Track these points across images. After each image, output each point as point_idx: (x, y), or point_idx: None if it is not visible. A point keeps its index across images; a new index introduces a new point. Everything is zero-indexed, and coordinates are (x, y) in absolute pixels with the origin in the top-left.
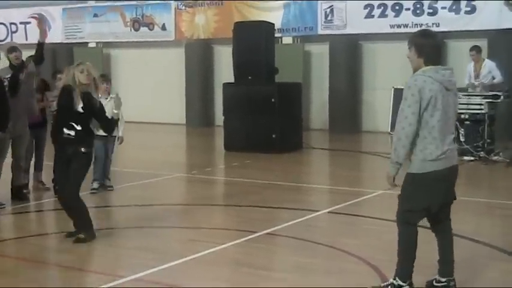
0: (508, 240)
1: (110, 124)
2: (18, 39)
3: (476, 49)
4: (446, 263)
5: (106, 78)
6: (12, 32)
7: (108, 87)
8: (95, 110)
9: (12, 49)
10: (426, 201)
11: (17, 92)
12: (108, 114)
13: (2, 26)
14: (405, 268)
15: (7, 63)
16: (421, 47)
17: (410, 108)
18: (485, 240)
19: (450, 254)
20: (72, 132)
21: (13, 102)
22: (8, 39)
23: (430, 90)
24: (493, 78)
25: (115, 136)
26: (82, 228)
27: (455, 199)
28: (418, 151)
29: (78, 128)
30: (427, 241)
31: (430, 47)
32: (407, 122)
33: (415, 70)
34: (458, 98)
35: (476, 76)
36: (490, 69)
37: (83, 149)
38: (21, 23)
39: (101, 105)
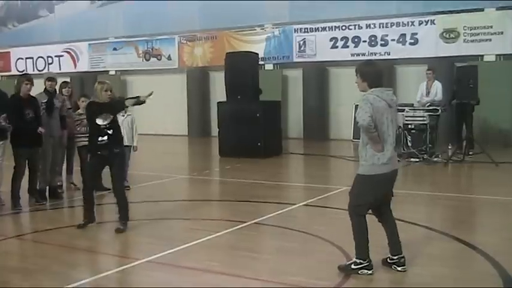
0: (445, 224)
1: (136, 102)
2: (54, 69)
3: (433, 69)
4: (394, 244)
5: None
6: (49, 64)
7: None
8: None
9: (50, 79)
10: (371, 198)
11: (52, 113)
12: (125, 128)
13: (41, 59)
14: (362, 249)
15: (42, 89)
16: (365, 74)
17: (367, 113)
18: (428, 225)
19: (396, 236)
20: (105, 137)
21: (49, 121)
22: (46, 70)
23: (378, 106)
24: (436, 96)
25: (131, 145)
26: (125, 219)
27: (392, 195)
28: (369, 157)
29: (111, 132)
30: (380, 227)
31: (372, 73)
32: (366, 115)
33: (362, 91)
34: (397, 113)
35: (427, 93)
36: (437, 89)
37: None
38: (56, 56)
39: (124, 99)
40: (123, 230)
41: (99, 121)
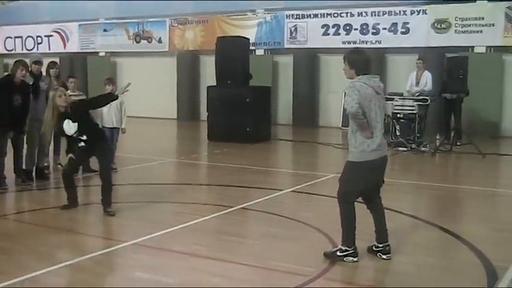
0: (431, 213)
1: (107, 99)
2: (43, 49)
3: (423, 59)
4: (381, 232)
5: (112, 80)
6: (38, 44)
7: (114, 87)
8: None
9: (36, 62)
10: (361, 185)
11: (38, 96)
12: (114, 110)
13: (30, 38)
14: (348, 236)
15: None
16: (353, 61)
17: (354, 100)
18: (414, 214)
19: (383, 224)
20: (82, 144)
21: (34, 104)
22: (35, 49)
23: (365, 93)
24: (426, 86)
25: (119, 127)
26: (108, 203)
27: (383, 182)
28: (358, 144)
29: (84, 138)
30: (367, 215)
31: (359, 61)
32: (353, 102)
33: (349, 78)
34: (384, 100)
35: (417, 83)
36: (427, 79)
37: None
38: (45, 36)
39: (87, 101)
40: (113, 213)
41: (67, 131)
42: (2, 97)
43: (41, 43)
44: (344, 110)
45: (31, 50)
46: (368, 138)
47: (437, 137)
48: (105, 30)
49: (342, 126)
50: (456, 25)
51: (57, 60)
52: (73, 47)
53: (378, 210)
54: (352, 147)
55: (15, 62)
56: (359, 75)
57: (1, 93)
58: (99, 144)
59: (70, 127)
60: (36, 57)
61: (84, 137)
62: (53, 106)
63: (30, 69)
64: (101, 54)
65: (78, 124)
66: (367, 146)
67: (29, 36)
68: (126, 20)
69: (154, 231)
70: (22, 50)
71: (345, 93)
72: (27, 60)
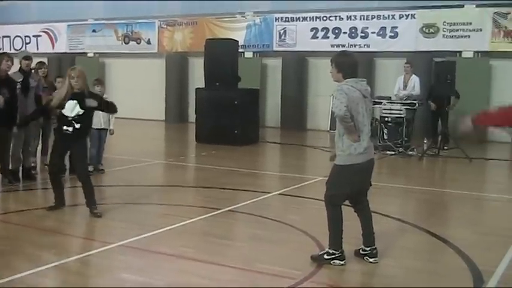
0: (418, 217)
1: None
2: (31, 48)
3: (410, 63)
4: (368, 235)
5: (100, 81)
6: (26, 43)
7: (102, 88)
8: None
9: (26, 58)
10: (348, 188)
11: (27, 93)
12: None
13: (18, 38)
14: (336, 239)
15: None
16: (340, 64)
17: (342, 103)
18: (401, 217)
19: (370, 228)
20: (70, 129)
21: (24, 100)
22: (23, 49)
23: (353, 96)
24: (414, 90)
25: (107, 128)
26: (93, 203)
27: (370, 185)
28: (345, 147)
29: (77, 126)
30: (354, 218)
31: (347, 64)
32: (342, 105)
33: (336, 81)
34: (371, 104)
35: (405, 87)
36: (415, 83)
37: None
38: (33, 36)
39: (111, 103)
40: (100, 214)
41: (67, 110)
42: None
43: (29, 43)
44: (332, 113)
45: (19, 49)
46: (355, 141)
47: (425, 141)
48: (94, 31)
49: (330, 129)
50: (444, 30)
51: (45, 60)
52: (61, 47)
53: (364, 214)
54: (339, 150)
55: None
56: (346, 78)
57: None
58: (81, 139)
59: (73, 109)
60: (25, 53)
61: (77, 126)
62: (69, 85)
63: (20, 65)
64: (89, 54)
65: (83, 113)
66: (354, 150)
67: (17, 36)
68: (115, 21)
69: (142, 233)
70: (10, 49)
71: (333, 96)
72: (17, 57)
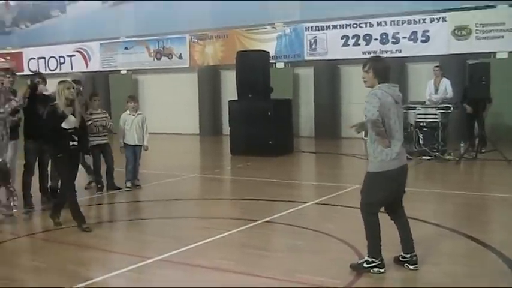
0: (457, 221)
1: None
2: (66, 69)
3: (441, 66)
4: (406, 242)
5: (134, 98)
6: (61, 64)
7: (136, 105)
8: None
9: (75, 81)
10: (382, 195)
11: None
12: (136, 128)
13: (53, 58)
14: (374, 247)
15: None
16: (377, 69)
17: (375, 108)
18: (439, 222)
19: (408, 234)
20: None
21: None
22: (58, 69)
23: (386, 101)
24: (447, 93)
25: (141, 145)
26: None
27: (404, 192)
28: (377, 154)
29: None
30: (392, 225)
31: (382, 69)
32: (374, 109)
33: (370, 87)
34: (403, 110)
35: (436, 91)
36: (446, 86)
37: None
38: (67, 55)
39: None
40: (90, 229)
41: (66, 123)
42: (27, 108)
43: (63, 63)
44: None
45: (54, 70)
46: (386, 147)
47: (462, 145)
48: (126, 48)
49: (364, 137)
50: (477, 31)
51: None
52: (95, 65)
53: (401, 221)
54: (371, 157)
55: (31, 76)
56: (380, 83)
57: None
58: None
59: (70, 122)
60: (76, 76)
61: (75, 140)
62: (64, 97)
63: None
64: (122, 72)
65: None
66: (386, 156)
67: (51, 57)
68: (146, 38)
69: (180, 247)
70: (45, 70)
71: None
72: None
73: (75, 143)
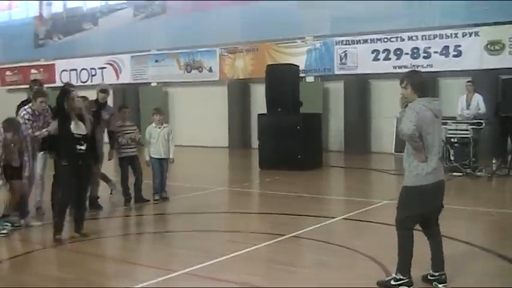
0: (488, 240)
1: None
2: (97, 81)
3: (473, 81)
4: (437, 260)
5: (159, 111)
6: (92, 75)
7: (161, 118)
8: None
9: (103, 91)
10: (419, 209)
11: (97, 125)
12: (162, 140)
13: (84, 70)
14: (405, 264)
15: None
16: (415, 84)
17: (412, 122)
18: (469, 240)
19: (440, 253)
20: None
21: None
22: (89, 81)
23: (425, 115)
24: (479, 109)
25: (167, 158)
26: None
27: (443, 207)
28: (413, 168)
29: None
30: (422, 242)
31: (420, 83)
32: (411, 124)
33: (406, 103)
34: (441, 124)
35: (468, 106)
36: (478, 102)
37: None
38: (99, 68)
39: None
40: (86, 234)
41: (73, 129)
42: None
43: (94, 75)
44: (397, 134)
45: (85, 82)
46: (422, 161)
47: (494, 161)
48: (156, 61)
49: (394, 151)
50: (510, 46)
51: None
52: (126, 78)
53: (435, 238)
54: (407, 171)
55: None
56: (420, 97)
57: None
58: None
59: (78, 128)
60: (103, 86)
61: (83, 146)
62: (73, 107)
63: (96, 97)
64: (152, 84)
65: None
66: (422, 170)
67: (83, 69)
68: (177, 51)
69: (206, 260)
70: (77, 82)
71: (397, 118)
72: (96, 89)
73: (83, 147)
